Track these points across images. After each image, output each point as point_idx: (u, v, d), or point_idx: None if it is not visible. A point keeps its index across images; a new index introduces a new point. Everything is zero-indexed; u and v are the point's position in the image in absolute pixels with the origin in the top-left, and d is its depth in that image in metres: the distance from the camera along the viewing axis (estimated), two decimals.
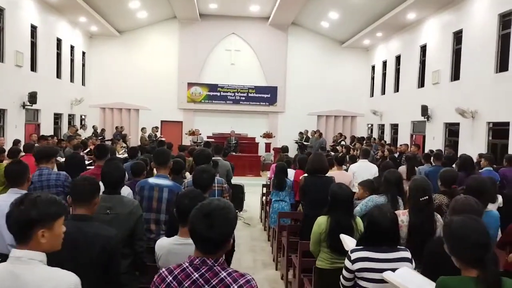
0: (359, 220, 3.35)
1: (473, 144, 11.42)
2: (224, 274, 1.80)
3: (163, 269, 1.88)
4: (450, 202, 3.00)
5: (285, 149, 10.14)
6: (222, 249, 1.85)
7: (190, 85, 19.59)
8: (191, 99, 19.67)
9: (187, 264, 1.84)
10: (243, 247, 6.97)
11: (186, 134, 17.59)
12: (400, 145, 12.85)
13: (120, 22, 18.31)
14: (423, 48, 15.05)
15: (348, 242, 2.94)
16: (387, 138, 17.60)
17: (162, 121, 19.43)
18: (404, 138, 15.92)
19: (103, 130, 17.17)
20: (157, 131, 16.48)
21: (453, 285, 1.90)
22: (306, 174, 5.13)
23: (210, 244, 1.80)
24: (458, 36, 12.77)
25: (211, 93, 19.73)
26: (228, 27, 19.57)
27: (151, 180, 3.83)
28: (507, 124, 10.22)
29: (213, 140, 15.92)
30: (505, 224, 3.68)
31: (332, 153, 12.86)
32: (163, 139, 13.92)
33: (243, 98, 19.93)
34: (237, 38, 19.85)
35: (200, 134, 16.51)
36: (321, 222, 3.31)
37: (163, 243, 2.59)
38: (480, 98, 11.22)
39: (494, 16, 10.90)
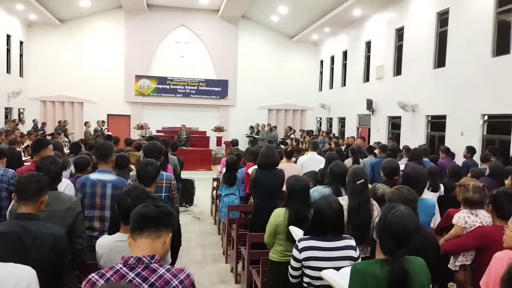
0: None
1: (414, 136, 12.04)
2: (163, 270, 1.76)
3: (93, 274, 1.79)
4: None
5: (235, 142, 10.13)
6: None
7: (138, 77, 19.02)
8: (139, 92, 19.11)
9: (120, 266, 1.77)
10: (193, 242, 6.90)
11: (134, 128, 17.07)
12: (347, 138, 13.30)
13: (62, 11, 17.36)
14: (368, 44, 15.60)
15: (298, 233, 2.99)
16: (335, 131, 18.13)
17: (108, 115, 18.74)
18: (351, 131, 16.47)
19: (43, 124, 16.25)
20: (103, 125, 15.87)
21: (360, 268, 2.05)
22: (256, 167, 5.15)
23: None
24: (400, 33, 13.36)
25: (160, 86, 19.28)
26: (177, 18, 19.17)
27: (93, 175, 3.66)
28: (444, 117, 10.86)
29: (162, 134, 15.62)
30: (445, 211, 3.90)
31: (283, 146, 13.11)
32: (109, 133, 13.45)
33: (194, 92, 19.67)
34: (186, 30, 19.50)
35: (148, 128, 16.10)
36: (279, 213, 3.34)
37: (104, 242, 2.49)
38: (420, 92, 11.83)
39: (432, 14, 11.50)
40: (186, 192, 9.21)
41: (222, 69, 19.75)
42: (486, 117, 9.57)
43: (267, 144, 7.75)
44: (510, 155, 7.41)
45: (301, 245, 2.65)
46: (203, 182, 10.47)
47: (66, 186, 3.53)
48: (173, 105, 19.46)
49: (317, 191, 4.01)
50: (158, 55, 19.29)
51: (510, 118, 8.61)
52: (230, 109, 20.28)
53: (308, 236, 2.69)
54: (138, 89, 19.09)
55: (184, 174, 9.75)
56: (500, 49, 9.10)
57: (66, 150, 7.22)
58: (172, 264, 3.27)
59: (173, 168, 5.83)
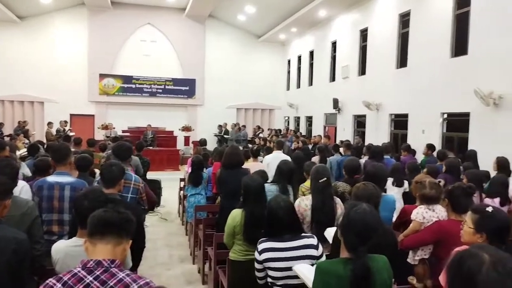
0: None
1: (378, 134, 12.36)
2: (123, 274, 1.72)
3: (50, 279, 1.74)
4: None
5: (203, 142, 10.05)
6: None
7: (102, 76, 18.54)
8: (103, 91, 18.62)
9: (79, 269, 1.72)
10: (160, 243, 6.80)
11: (98, 128, 16.62)
12: (314, 137, 13.46)
13: (21, 7, 16.65)
14: (334, 44, 15.86)
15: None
16: (303, 130, 18.34)
17: (71, 115, 18.15)
18: (318, 129, 16.71)
19: (1, 125, 15.53)
20: (65, 126, 15.34)
21: (323, 267, 2.08)
22: (222, 167, 5.14)
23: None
24: (364, 34, 13.66)
25: (126, 85, 18.87)
26: (142, 16, 18.81)
27: (50, 178, 3.53)
28: (406, 115, 11.21)
29: (128, 134, 15.30)
30: None
31: (250, 145, 13.12)
32: (72, 133, 13.04)
33: (160, 91, 19.37)
34: (152, 28, 19.18)
35: (114, 128, 15.73)
36: (235, 215, 3.33)
37: (59, 247, 2.41)
38: (384, 92, 12.15)
39: (395, 16, 11.83)
40: (153, 193, 9.03)
41: (189, 68, 19.56)
42: (445, 115, 9.94)
43: (232, 144, 7.74)
44: (466, 152, 7.73)
45: (260, 247, 2.67)
46: (171, 182, 10.33)
47: (21, 188, 3.39)
48: (139, 105, 19.10)
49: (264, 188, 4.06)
50: (123, 54, 18.87)
51: (467, 116, 8.98)
52: (198, 109, 20.12)
53: (267, 238, 2.70)
54: (103, 88, 18.60)
55: (151, 175, 9.60)
56: (458, 50, 9.47)
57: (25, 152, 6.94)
58: (136, 267, 3.21)
59: (136, 169, 5.72)
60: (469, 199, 3.05)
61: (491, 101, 8.10)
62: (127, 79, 18.85)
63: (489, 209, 2.22)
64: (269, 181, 4.84)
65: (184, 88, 19.63)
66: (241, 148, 8.93)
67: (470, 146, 8.51)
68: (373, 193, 2.85)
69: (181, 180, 9.01)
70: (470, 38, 8.97)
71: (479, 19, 8.73)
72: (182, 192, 8.20)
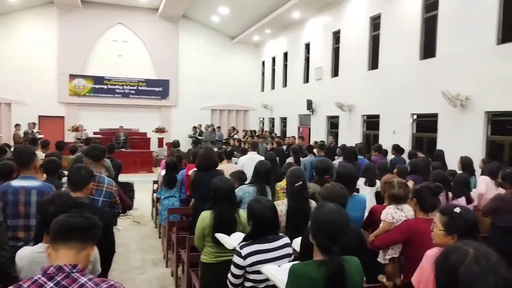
0: (242, 213, 3.41)
1: (351, 135, 12.56)
2: (85, 279, 1.68)
3: (10, 286, 1.68)
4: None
5: (176, 144, 9.95)
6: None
7: (73, 77, 18.08)
8: (74, 92, 18.17)
9: (39, 276, 1.67)
10: (132, 247, 6.69)
11: (69, 130, 16.18)
12: (288, 137, 13.54)
13: None
14: (308, 46, 16.02)
15: (227, 239, 2.98)
16: (278, 130, 18.43)
17: (40, 116, 17.59)
18: (292, 130, 16.83)
19: None
20: (34, 128, 14.87)
21: (297, 269, 2.07)
22: (195, 169, 5.09)
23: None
24: (336, 36, 13.86)
25: (97, 86, 18.47)
26: (113, 16, 18.48)
27: (15, 182, 3.40)
28: (378, 116, 11.44)
29: (100, 136, 14.98)
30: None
31: (224, 147, 13.07)
32: (40, 136, 12.65)
33: (133, 92, 19.07)
34: (124, 28, 18.86)
35: (85, 130, 15.33)
36: (205, 217, 3.30)
37: (24, 253, 2.33)
38: (356, 93, 12.36)
39: (366, 18, 12.06)
40: (126, 195, 8.87)
41: (162, 69, 19.33)
42: (415, 117, 10.20)
43: (206, 145, 7.70)
44: (434, 152, 7.95)
45: (244, 251, 2.59)
46: (144, 184, 10.17)
47: None
48: (111, 106, 18.73)
49: (242, 190, 4.05)
50: (94, 54, 18.47)
51: (436, 117, 9.24)
52: (171, 110, 19.91)
53: (250, 241, 2.65)
54: (73, 89, 18.15)
55: (124, 177, 9.42)
56: (427, 52, 9.74)
57: None
58: (106, 272, 3.14)
59: (107, 172, 5.60)
60: (436, 198, 3.14)
61: (458, 103, 8.37)
62: (98, 79, 18.46)
63: (457, 209, 2.26)
64: (246, 182, 4.85)
65: (157, 89, 19.38)
66: (215, 149, 8.93)
67: (439, 146, 8.76)
68: (340, 193, 2.89)
69: (154, 182, 8.89)
70: (438, 41, 9.25)
71: (446, 23, 9.01)
72: (155, 194, 8.08)
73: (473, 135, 8.23)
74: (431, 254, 2.23)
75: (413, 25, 10.02)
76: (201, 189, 4.74)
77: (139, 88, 19.13)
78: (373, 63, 11.84)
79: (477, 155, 7.83)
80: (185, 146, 14.87)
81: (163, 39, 19.19)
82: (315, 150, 8.83)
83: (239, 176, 4.74)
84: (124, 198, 4.40)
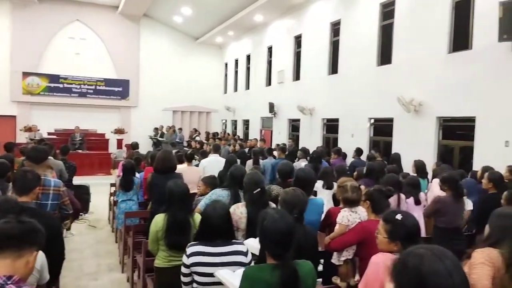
0: (198, 217, 3.38)
1: (312, 138, 12.77)
2: None
3: None
4: None
5: (135, 145, 9.73)
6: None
7: (26, 74, 17.28)
8: (27, 90, 17.36)
9: None
10: (87, 252, 6.46)
11: (21, 130, 15.41)
12: (250, 140, 13.57)
13: None
14: (270, 49, 16.16)
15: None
16: (240, 133, 18.44)
17: None
18: (254, 133, 16.90)
19: None
20: None
21: (250, 273, 2.09)
22: (153, 172, 5.00)
23: None
24: (298, 40, 14.07)
25: (52, 85, 17.75)
26: (71, 12, 17.84)
27: None
28: (337, 120, 11.70)
29: (54, 137, 14.39)
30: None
31: (186, 149, 12.92)
32: None
33: (91, 91, 18.48)
34: (82, 25, 18.25)
35: (38, 130, 14.67)
36: (158, 220, 3.25)
37: None
38: (317, 97, 12.59)
39: (326, 24, 12.32)
40: (80, 199, 8.56)
41: (123, 68, 18.86)
42: (372, 121, 10.52)
43: (166, 147, 7.58)
44: (391, 156, 8.24)
45: (189, 250, 2.62)
46: (102, 187, 9.85)
47: None
48: (67, 106, 18.05)
49: (215, 194, 4.01)
50: (49, 51, 17.74)
51: (391, 121, 9.58)
52: (132, 110, 19.46)
53: (197, 242, 2.66)
54: (26, 87, 17.34)
55: (80, 180, 9.13)
56: (383, 59, 10.08)
57: None
58: (54, 280, 3.01)
59: (59, 174, 5.40)
60: (387, 201, 3.25)
61: (412, 108, 8.71)
62: (53, 78, 17.74)
63: (399, 217, 2.32)
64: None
65: (117, 89, 18.88)
66: (174, 151, 8.81)
67: (394, 150, 9.08)
68: (301, 199, 2.92)
69: (112, 185, 8.64)
70: (394, 48, 9.59)
71: (402, 31, 9.37)
72: (112, 197, 7.86)
73: (426, 139, 8.59)
74: (375, 261, 2.30)
75: (371, 32, 10.34)
76: (159, 193, 4.65)
77: (98, 87, 18.56)
78: (333, 68, 12.11)
79: (430, 159, 8.18)
80: (146, 147, 14.58)
81: (123, 37, 18.73)
82: (275, 153, 8.91)
83: (211, 182, 4.69)
84: (74, 201, 4.24)
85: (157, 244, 3.25)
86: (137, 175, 6.38)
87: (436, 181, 5.39)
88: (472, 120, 7.69)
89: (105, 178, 12.48)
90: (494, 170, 4.86)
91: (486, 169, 5.42)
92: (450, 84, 8.08)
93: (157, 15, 18.94)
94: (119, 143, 17.03)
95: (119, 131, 17.06)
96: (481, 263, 2.25)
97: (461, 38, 8.09)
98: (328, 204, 5.58)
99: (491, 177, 4.52)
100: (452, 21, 8.24)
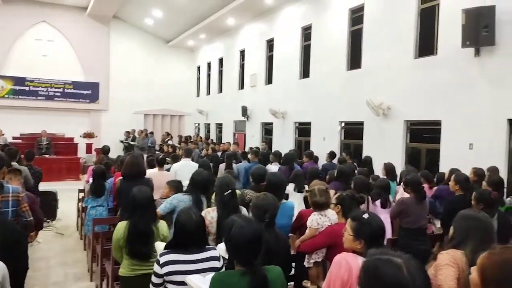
0: (162, 224, 3.33)
1: (284, 141, 12.86)
2: None
3: None
4: None
5: (105, 150, 9.50)
6: None
7: None
8: None
9: None
10: (54, 261, 6.25)
11: None
12: (223, 143, 13.53)
13: None
14: (242, 53, 16.20)
15: (161, 247, 2.87)
16: (213, 136, 18.36)
17: None
18: (228, 136, 16.87)
19: None
20: None
21: (219, 279, 2.08)
22: (122, 177, 4.91)
23: None
24: (270, 44, 14.17)
25: (18, 88, 17.17)
26: (37, 13, 17.32)
27: None
28: (309, 124, 11.84)
29: (20, 141, 13.91)
30: None
31: (157, 153, 12.75)
32: None
33: (59, 94, 17.97)
34: (49, 27, 17.74)
35: (3, 134, 14.14)
36: (120, 227, 3.18)
37: None
38: (289, 100, 12.70)
39: (298, 28, 12.46)
40: (48, 205, 8.31)
41: (92, 71, 18.44)
42: (343, 124, 10.70)
43: (137, 151, 7.45)
44: (362, 158, 8.42)
45: (162, 259, 2.54)
46: (70, 193, 9.56)
47: None
48: (33, 109, 17.47)
49: (176, 198, 3.97)
50: (15, 53, 17.16)
51: (361, 125, 9.77)
52: (102, 114, 19.04)
53: (170, 250, 2.60)
54: None
55: (47, 186, 8.85)
56: (353, 63, 10.28)
57: None
58: None
59: (24, 181, 5.21)
60: (358, 207, 3.32)
61: (381, 111, 8.92)
62: (19, 80, 17.15)
63: (365, 216, 2.40)
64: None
65: (86, 92, 18.43)
66: (145, 156, 8.67)
67: (364, 153, 9.27)
68: (272, 203, 2.93)
69: (80, 191, 8.41)
70: (363, 53, 9.80)
71: (370, 36, 9.59)
72: (80, 203, 7.65)
73: (394, 142, 8.81)
74: (338, 260, 2.34)
75: (341, 37, 10.53)
76: (127, 199, 4.56)
77: (66, 90, 18.07)
78: (305, 72, 12.26)
79: (398, 161, 8.40)
80: (117, 152, 14.28)
81: (92, 39, 18.32)
82: (250, 156, 8.92)
83: (176, 185, 4.63)
84: (37, 210, 4.11)
85: (120, 251, 3.19)
86: (108, 180, 6.25)
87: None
88: (438, 123, 7.94)
89: (73, 184, 12.14)
90: (460, 172, 5.01)
91: (453, 171, 5.60)
92: (417, 88, 8.33)
93: (128, 17, 18.65)
94: (89, 147, 16.64)
95: (88, 135, 16.67)
96: (446, 264, 2.32)
97: (427, 44, 8.36)
98: (299, 207, 5.64)
99: (457, 179, 4.66)
100: (418, 27, 8.50)
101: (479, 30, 6.78)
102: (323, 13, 11.28)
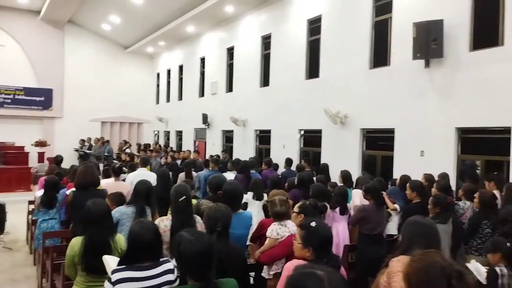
0: (119, 238, 3.22)
1: (245, 149, 12.89)
2: None
3: None
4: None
5: (58, 160, 9.12)
6: None
7: None
8: None
9: None
10: (2, 277, 5.90)
11: None
12: (183, 151, 13.37)
13: None
14: (203, 60, 16.13)
15: (111, 263, 2.78)
16: (173, 144, 18.10)
17: None
18: (188, 144, 16.69)
19: None
20: None
21: None
22: (74, 188, 4.72)
23: None
24: (231, 52, 14.21)
25: None
26: None
27: None
28: (269, 131, 11.94)
29: None
30: None
31: (116, 162, 12.38)
32: None
33: (9, 101, 17.11)
34: None
35: None
36: (75, 243, 3.05)
37: None
38: (249, 108, 12.76)
39: (258, 37, 12.58)
40: None
41: (45, 77, 17.70)
42: (302, 132, 10.87)
43: (92, 160, 7.21)
44: (320, 166, 8.58)
45: (114, 277, 2.40)
46: (20, 204, 9.10)
47: None
48: None
49: (118, 211, 3.86)
50: None
51: (320, 133, 9.97)
52: (55, 122, 18.29)
53: (123, 267, 2.46)
54: None
55: None
56: (311, 73, 10.50)
57: None
58: None
59: None
60: (320, 215, 3.36)
61: (338, 120, 9.15)
62: None
63: (313, 224, 2.45)
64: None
65: (38, 98, 17.65)
66: (102, 165, 8.40)
67: (323, 160, 9.45)
68: (224, 213, 2.90)
69: (30, 202, 8.00)
70: (321, 63, 10.04)
71: (328, 47, 9.84)
72: (30, 216, 7.29)
73: (351, 149, 9.05)
74: (288, 267, 2.37)
75: (299, 46, 10.74)
76: (80, 211, 4.38)
77: (16, 97, 17.22)
78: (265, 80, 12.38)
79: (355, 168, 8.63)
80: (72, 161, 13.74)
81: (46, 44, 17.61)
82: (210, 165, 8.85)
83: (117, 199, 4.49)
84: None
85: (74, 268, 3.05)
86: (60, 191, 5.99)
87: (356, 192, 5.67)
88: (391, 131, 8.24)
89: (24, 195, 11.53)
90: (414, 180, 5.19)
91: (404, 177, 5.83)
92: (371, 97, 8.61)
93: (84, 22, 18.10)
94: (41, 156, 15.91)
95: (40, 144, 15.93)
96: (399, 271, 2.38)
97: (381, 55, 8.68)
98: (258, 215, 5.65)
99: (413, 186, 4.83)
100: (373, 39, 8.82)
101: (428, 43, 7.12)
102: (283, 23, 11.46)
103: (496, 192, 5.14)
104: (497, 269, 3.03)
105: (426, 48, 7.19)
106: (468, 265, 3.14)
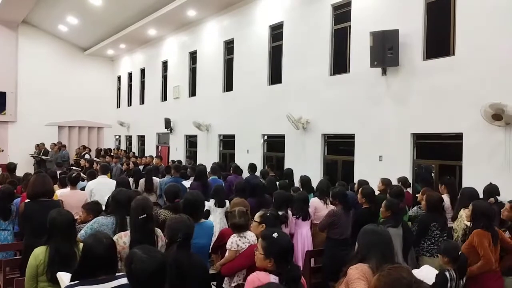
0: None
1: (209, 154, 12.82)
2: None
3: None
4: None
5: (11, 168, 8.68)
6: None
7: None
8: None
9: None
10: None
11: None
12: (145, 157, 13.12)
13: None
14: (165, 64, 15.92)
15: (65, 279, 2.70)
16: (135, 149, 17.72)
17: None
18: (150, 149, 16.40)
19: None
20: None
21: None
22: (27, 199, 4.51)
23: None
24: (193, 56, 14.11)
25: None
26: None
27: None
28: (233, 136, 11.95)
29: None
30: None
31: (75, 168, 11.93)
32: None
33: None
34: None
35: None
36: (38, 253, 2.95)
37: None
38: (213, 113, 12.71)
39: (220, 42, 12.58)
40: None
41: None
42: (265, 137, 10.96)
43: (39, 170, 6.93)
44: (284, 171, 8.68)
45: None
46: None
47: None
48: None
49: (98, 222, 3.74)
50: None
51: (283, 138, 10.09)
52: (9, 126, 17.43)
53: (77, 282, 2.40)
54: None
55: None
56: (274, 78, 10.61)
57: None
58: None
59: None
60: (281, 225, 3.40)
61: (301, 125, 9.30)
62: None
63: (275, 235, 2.48)
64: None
65: None
66: (59, 172, 8.08)
67: (286, 165, 9.57)
68: (185, 223, 2.89)
69: None
70: (283, 69, 10.17)
71: (289, 53, 9.99)
72: None
73: (313, 154, 9.22)
74: (251, 280, 2.40)
75: (262, 52, 10.83)
76: (32, 223, 4.20)
77: None
78: (228, 85, 12.38)
79: (317, 173, 8.81)
80: (28, 168, 13.15)
81: None
82: (172, 171, 8.74)
83: (93, 208, 4.35)
84: None
85: (36, 281, 2.93)
86: (13, 201, 5.72)
87: (312, 200, 5.76)
88: (351, 136, 8.47)
89: None
90: (366, 186, 5.35)
91: (361, 182, 5.99)
92: (332, 103, 8.82)
93: (39, 22, 17.39)
94: None
95: None
96: (357, 278, 2.46)
97: (340, 62, 8.91)
98: (221, 222, 5.63)
99: (363, 192, 4.98)
100: (332, 46, 9.04)
101: (385, 51, 7.39)
102: (245, 28, 11.52)
103: (446, 196, 5.41)
104: (447, 273, 3.19)
105: (382, 57, 7.45)
106: (419, 271, 3.27)
